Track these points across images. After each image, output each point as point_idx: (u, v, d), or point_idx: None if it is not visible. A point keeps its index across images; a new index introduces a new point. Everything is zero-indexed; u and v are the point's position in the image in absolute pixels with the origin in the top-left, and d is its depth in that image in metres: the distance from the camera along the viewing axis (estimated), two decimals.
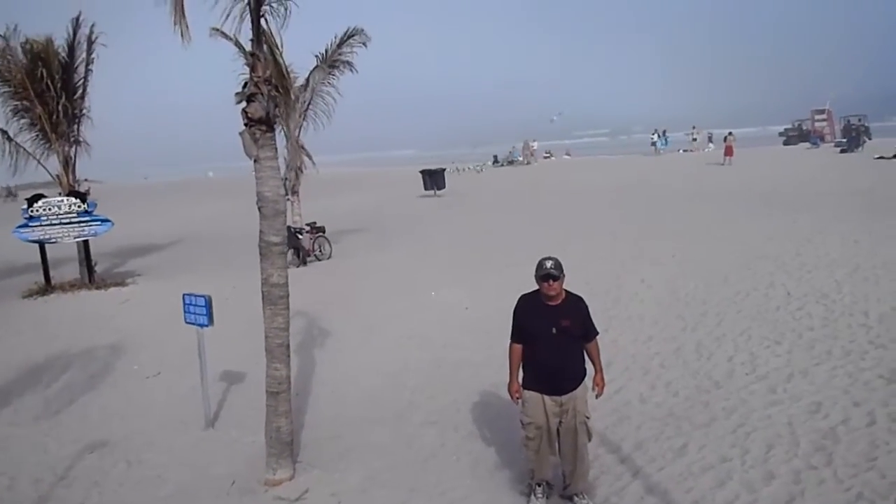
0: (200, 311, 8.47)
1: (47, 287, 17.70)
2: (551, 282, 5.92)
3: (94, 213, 18.01)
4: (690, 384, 8.82)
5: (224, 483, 7.26)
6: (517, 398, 6.23)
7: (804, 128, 60.80)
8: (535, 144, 67.13)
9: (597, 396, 6.33)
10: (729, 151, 42.87)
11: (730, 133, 45.76)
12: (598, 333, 6.34)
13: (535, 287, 6.11)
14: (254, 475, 7.31)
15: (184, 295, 8.74)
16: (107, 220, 18.14)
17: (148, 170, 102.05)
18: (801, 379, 8.59)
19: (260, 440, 7.36)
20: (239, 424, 8.80)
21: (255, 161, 6.87)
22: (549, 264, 5.92)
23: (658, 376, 9.18)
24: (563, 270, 5.97)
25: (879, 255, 14.42)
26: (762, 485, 6.27)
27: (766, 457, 6.76)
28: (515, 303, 6.25)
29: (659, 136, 59.70)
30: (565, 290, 6.10)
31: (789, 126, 63.79)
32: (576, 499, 6.24)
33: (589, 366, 6.26)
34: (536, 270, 5.99)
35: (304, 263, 19.59)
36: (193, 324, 8.62)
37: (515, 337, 6.22)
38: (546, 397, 5.99)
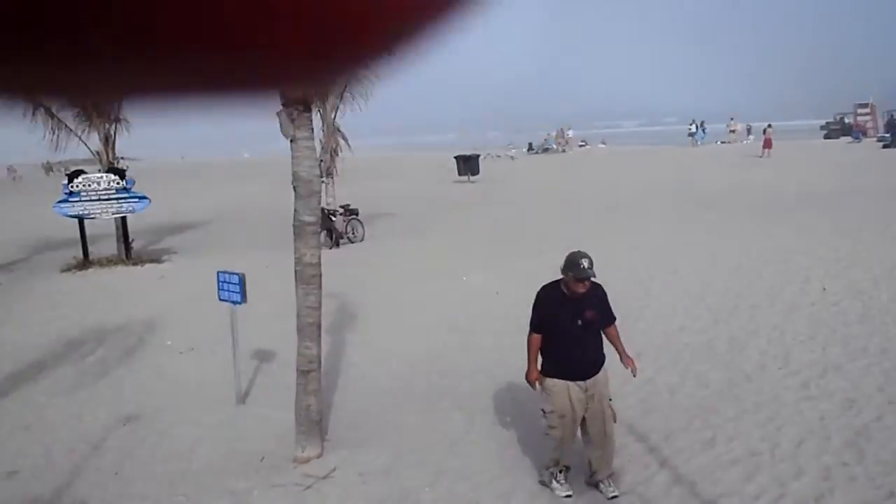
0: (234, 288, 8.55)
1: (85, 262, 17.98)
2: (586, 282, 5.89)
3: (132, 190, 18.26)
4: (721, 377, 8.75)
5: (253, 459, 7.36)
6: (536, 385, 6.22)
7: (846, 121, 59.63)
8: (571, 132, 66.71)
9: (634, 374, 6.36)
10: (768, 144, 42.32)
11: (769, 125, 45.17)
12: (616, 318, 6.38)
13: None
14: (283, 452, 7.39)
15: (218, 272, 8.83)
16: (144, 198, 18.38)
17: (185, 149, 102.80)
18: (834, 375, 8.50)
19: (289, 418, 7.43)
20: (269, 402, 8.89)
21: (291, 141, 6.91)
22: (585, 263, 5.81)
23: (688, 367, 9.12)
24: (593, 267, 5.92)
25: None
26: (791, 479, 6.21)
27: (796, 452, 6.70)
28: (536, 294, 6.24)
29: (697, 127, 58.94)
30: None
31: (831, 120, 62.60)
32: (601, 485, 6.22)
33: (608, 350, 6.25)
34: (569, 267, 5.89)
35: (337, 245, 19.69)
36: (227, 301, 8.71)
37: (535, 328, 6.18)
38: (570, 384, 5.97)
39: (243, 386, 9.13)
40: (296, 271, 7.08)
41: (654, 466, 6.62)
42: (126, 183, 18.16)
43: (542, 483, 6.42)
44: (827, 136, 58.73)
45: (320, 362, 7.32)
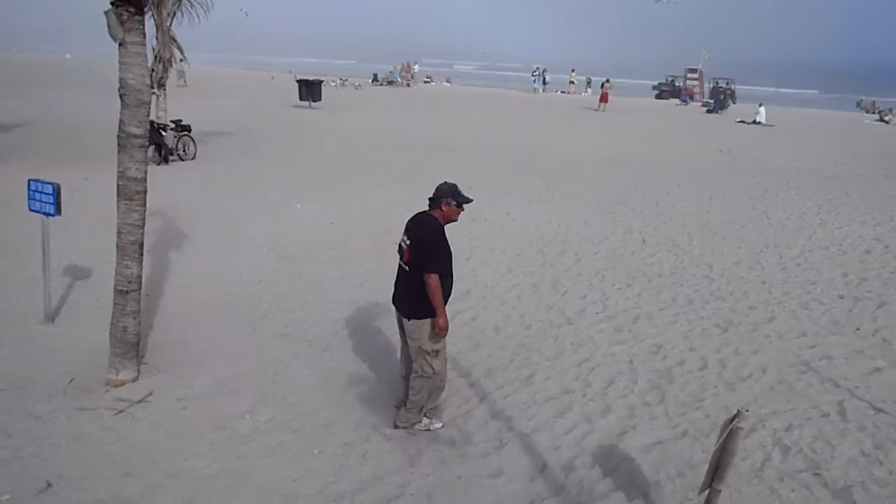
0: (48, 199, 7.90)
1: None
2: (461, 208, 5.91)
3: None
4: (544, 318, 9.11)
5: (61, 380, 6.93)
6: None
7: (676, 84, 62.95)
8: (417, 67, 66.47)
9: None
10: (604, 98, 44.07)
11: (607, 80, 46.98)
12: None
13: (408, 210, 6.02)
14: (94, 374, 7.01)
15: (29, 181, 8.12)
16: None
17: None
18: (646, 321, 9.06)
19: (103, 339, 7.03)
20: (82, 321, 8.38)
21: (119, 45, 6.38)
22: (461, 193, 5.87)
23: (514, 308, 9.42)
24: None
25: (729, 212, 15.30)
26: (599, 417, 6.61)
27: (605, 391, 7.13)
28: (436, 232, 5.86)
29: (540, 74, 60.31)
30: None
31: (662, 81, 65.82)
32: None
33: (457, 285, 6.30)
34: (454, 195, 5.82)
35: (166, 162, 18.70)
36: (38, 212, 8.06)
37: (445, 267, 5.87)
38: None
39: (53, 303, 8.54)
40: (118, 186, 6.61)
41: (474, 401, 6.83)
42: None
43: (426, 426, 6.33)
44: (658, 97, 61.83)
45: (140, 283, 6.94)
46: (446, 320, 5.84)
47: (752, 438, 6.19)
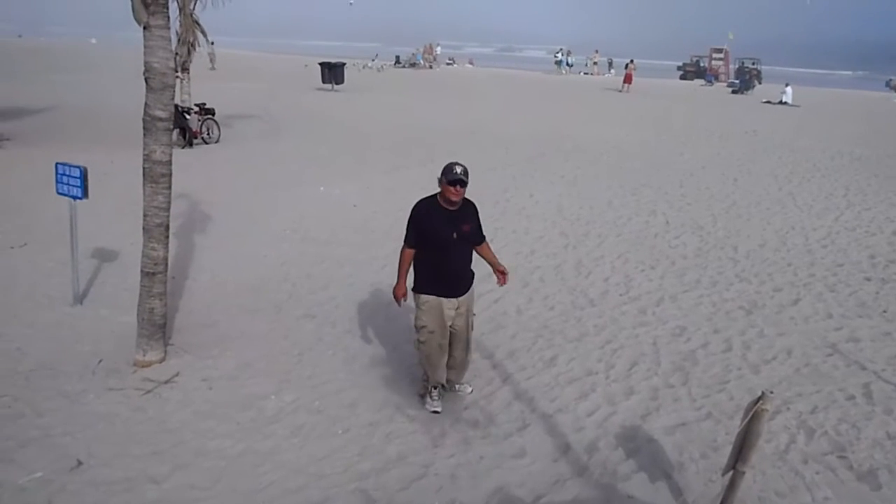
0: (75, 182, 8.00)
1: None
2: (459, 187, 5.83)
3: None
4: (567, 300, 9.10)
5: (90, 361, 7.04)
6: (402, 300, 6.19)
7: (701, 64, 62.26)
8: (439, 49, 66.23)
9: (503, 284, 6.54)
10: (628, 79, 43.72)
11: (631, 61, 46.61)
12: (486, 238, 6.43)
13: (429, 192, 6.03)
14: (122, 355, 7.11)
15: (57, 164, 8.21)
16: None
17: (23, 27, 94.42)
18: (669, 303, 9.03)
19: (130, 321, 7.13)
20: (109, 303, 8.49)
21: (144, 28, 6.43)
22: (459, 170, 5.75)
23: (536, 290, 9.42)
24: (468, 177, 5.87)
25: (754, 194, 15.16)
26: (622, 398, 6.61)
27: (628, 373, 7.12)
28: (412, 209, 6.07)
29: (564, 55, 59.86)
30: None
31: (687, 61, 65.10)
32: (457, 387, 6.60)
33: (477, 267, 6.29)
34: (445, 174, 5.81)
35: (191, 145, 18.82)
36: (66, 195, 8.15)
37: (411, 242, 6.04)
38: (444, 300, 6.01)
39: (81, 286, 8.66)
40: (144, 169, 6.67)
41: (497, 382, 6.85)
42: None
43: (420, 395, 6.51)
44: (682, 77, 61.23)
45: (167, 265, 7.02)
46: (398, 289, 6.16)
47: (776, 420, 6.16)
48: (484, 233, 6.36)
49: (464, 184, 5.81)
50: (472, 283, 6.23)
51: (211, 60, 43.99)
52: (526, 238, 11.57)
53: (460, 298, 6.08)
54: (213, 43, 42.64)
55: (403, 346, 7.58)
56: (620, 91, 42.63)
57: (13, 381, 6.59)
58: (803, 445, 5.85)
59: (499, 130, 23.65)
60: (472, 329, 6.38)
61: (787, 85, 39.39)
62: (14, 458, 5.39)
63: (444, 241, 5.91)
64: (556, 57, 61.63)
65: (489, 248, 6.51)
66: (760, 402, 4.18)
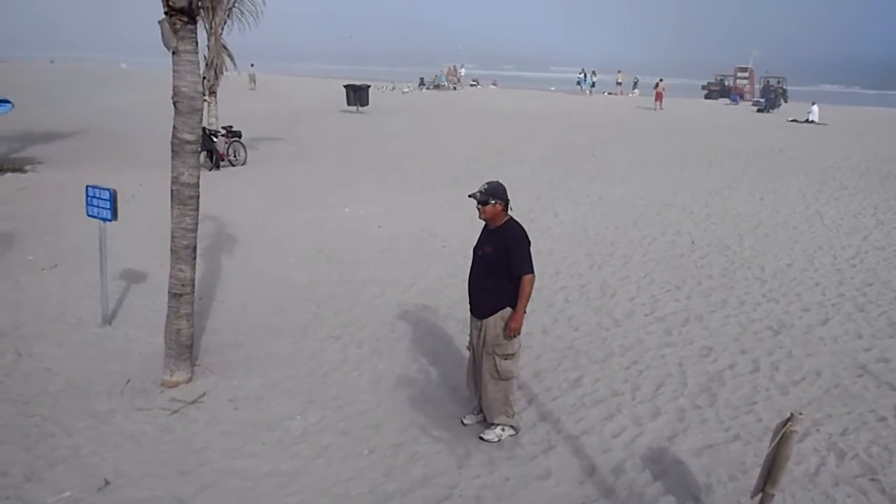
0: (104, 204, 8.13)
1: None
2: (477, 206, 5.90)
3: None
4: (592, 320, 9.06)
5: (118, 381, 7.12)
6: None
7: (726, 83, 62.00)
8: (463, 70, 66.58)
9: (503, 336, 5.89)
10: (658, 97, 44.69)
11: (661, 80, 46.97)
12: (525, 273, 5.78)
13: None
14: (150, 376, 7.18)
15: (87, 187, 8.35)
16: (6, 101, 17.11)
17: (55, 53, 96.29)
18: (696, 324, 8.95)
19: (158, 341, 7.21)
20: (137, 324, 8.59)
21: (173, 53, 6.54)
22: (481, 188, 5.84)
23: (561, 310, 9.39)
24: (495, 196, 5.80)
25: (781, 213, 15.04)
26: (649, 420, 6.55)
27: (655, 394, 7.06)
28: None
29: (586, 75, 59.96)
30: (510, 218, 5.93)
31: (712, 80, 64.88)
32: (484, 433, 6.19)
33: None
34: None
35: (217, 168, 19.05)
36: (96, 217, 8.28)
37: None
38: (471, 318, 6.14)
39: (110, 306, 8.76)
40: (172, 191, 6.77)
41: (522, 403, 6.82)
42: None
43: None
44: (707, 97, 60.95)
45: (194, 286, 7.09)
46: None
47: (806, 443, 6.07)
48: (522, 269, 5.79)
49: (479, 202, 5.86)
50: (491, 311, 5.90)
51: (252, 80, 48.92)
52: (551, 259, 11.54)
53: (479, 320, 6.01)
54: (252, 65, 48.13)
55: (429, 367, 7.59)
56: (655, 109, 43.28)
57: (43, 401, 6.68)
58: (834, 468, 5.75)
59: (522, 150, 23.66)
60: (498, 374, 5.97)
61: (813, 103, 39.07)
62: (43, 477, 5.45)
63: (474, 254, 6.05)
64: (578, 77, 61.77)
65: (523, 288, 5.79)
66: (790, 423, 4.13)
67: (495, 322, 5.89)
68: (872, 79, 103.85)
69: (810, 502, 5.29)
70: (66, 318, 8.77)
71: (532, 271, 5.84)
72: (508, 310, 5.85)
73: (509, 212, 5.95)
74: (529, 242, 5.92)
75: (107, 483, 5.39)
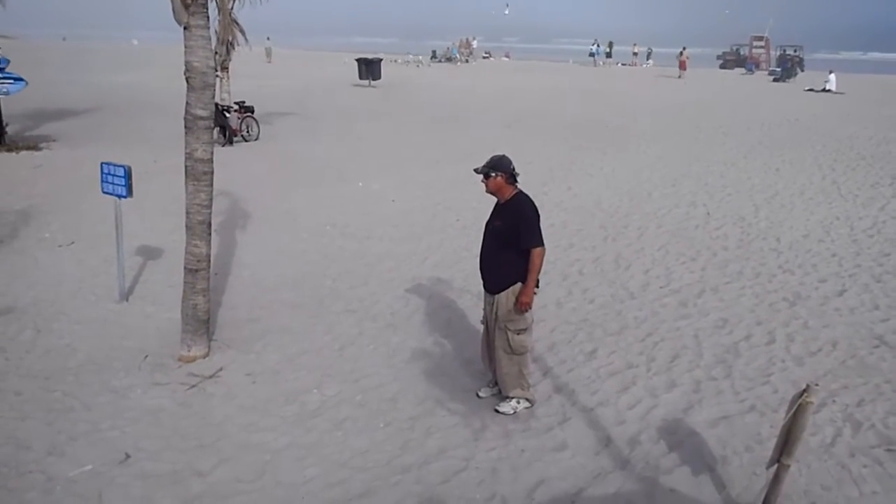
0: (119, 181, 8.15)
1: None
2: (483, 181, 5.88)
3: (6, 70, 16.96)
4: (606, 293, 9.05)
5: (136, 356, 7.19)
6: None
7: (741, 53, 61.33)
8: (475, 43, 66.12)
9: (515, 311, 5.85)
10: (683, 65, 46.39)
11: (684, 48, 47.47)
12: (534, 245, 5.70)
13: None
14: (167, 351, 7.25)
15: (102, 164, 8.38)
16: (20, 79, 17.10)
17: (67, 30, 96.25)
18: (711, 295, 8.93)
19: (175, 317, 7.27)
20: (154, 300, 8.65)
21: (184, 28, 6.53)
22: (485, 161, 5.85)
23: (576, 283, 9.38)
24: (496, 168, 5.80)
25: (797, 183, 14.92)
26: (664, 391, 6.56)
27: (670, 366, 7.06)
28: None
29: (598, 46, 59.56)
30: (518, 191, 5.89)
31: (727, 50, 64.15)
32: (501, 404, 6.21)
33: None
34: None
35: (231, 143, 19.04)
36: (111, 194, 8.31)
37: None
38: (483, 292, 6.15)
39: (127, 282, 8.83)
40: (186, 167, 6.79)
41: (537, 375, 6.84)
42: None
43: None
44: (722, 66, 60.41)
45: (209, 261, 7.13)
46: None
47: (821, 413, 6.07)
48: (531, 242, 5.71)
49: (481, 174, 5.89)
50: (503, 286, 5.86)
51: (268, 54, 50.85)
52: (564, 231, 11.51)
53: (492, 296, 5.99)
54: (269, 38, 50.47)
55: (443, 340, 7.61)
56: (679, 77, 44.64)
57: (63, 377, 6.75)
58: (850, 439, 5.75)
59: (536, 122, 23.55)
60: (510, 349, 5.96)
61: (830, 72, 38.60)
62: (65, 451, 5.53)
63: (485, 229, 6.03)
64: (590, 49, 61.33)
65: (532, 260, 5.72)
66: (805, 394, 4.13)
67: (507, 297, 5.87)
68: (893, 43, 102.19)
69: (826, 473, 5.29)
70: (84, 294, 8.84)
71: (542, 244, 5.78)
72: (520, 285, 5.83)
73: (517, 185, 5.93)
74: (539, 215, 5.83)
75: (127, 457, 5.46)
